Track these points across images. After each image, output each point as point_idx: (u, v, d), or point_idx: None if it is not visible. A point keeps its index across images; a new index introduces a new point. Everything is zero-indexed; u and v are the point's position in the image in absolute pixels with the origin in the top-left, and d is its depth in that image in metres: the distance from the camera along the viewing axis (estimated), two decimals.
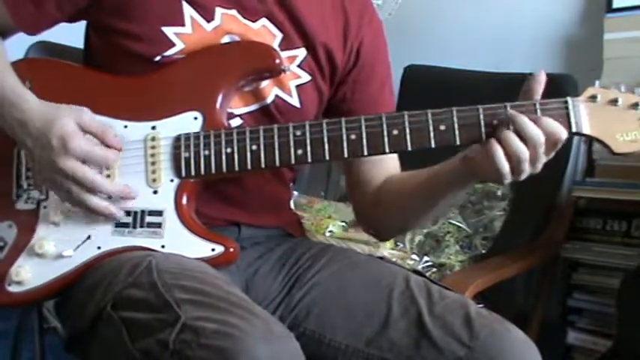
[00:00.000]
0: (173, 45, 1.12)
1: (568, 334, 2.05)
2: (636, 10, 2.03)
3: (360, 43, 1.24)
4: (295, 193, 2.16)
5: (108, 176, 1.09)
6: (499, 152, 1.01)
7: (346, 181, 1.32)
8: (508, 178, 1.02)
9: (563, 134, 1.02)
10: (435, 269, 1.93)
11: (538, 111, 1.03)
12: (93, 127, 1.07)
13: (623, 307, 1.79)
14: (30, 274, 1.08)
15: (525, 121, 1.01)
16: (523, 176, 1.03)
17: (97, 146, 1.07)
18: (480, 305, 1.09)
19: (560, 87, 1.98)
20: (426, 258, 1.95)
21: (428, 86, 2.32)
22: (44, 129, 1.04)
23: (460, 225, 2.00)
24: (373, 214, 1.28)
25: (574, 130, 1.03)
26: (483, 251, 1.95)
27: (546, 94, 2.14)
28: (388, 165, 1.26)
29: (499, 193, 1.98)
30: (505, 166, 1.02)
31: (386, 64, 1.30)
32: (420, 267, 1.90)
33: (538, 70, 2.30)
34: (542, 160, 1.03)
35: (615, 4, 2.09)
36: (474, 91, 2.10)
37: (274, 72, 1.13)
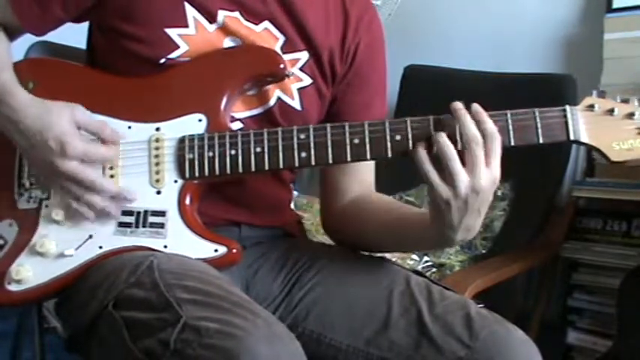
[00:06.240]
0: (177, 47, 1.12)
1: (568, 334, 2.05)
2: (636, 10, 2.04)
3: (357, 46, 1.24)
4: (295, 193, 2.16)
5: (112, 176, 1.09)
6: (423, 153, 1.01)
7: (320, 186, 1.30)
8: (440, 185, 0.98)
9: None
10: (435, 269, 1.93)
11: (537, 119, 1.03)
12: (87, 123, 1.07)
13: (623, 307, 1.79)
14: (30, 272, 1.07)
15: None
16: (461, 184, 0.98)
17: (95, 145, 1.07)
18: (480, 305, 1.09)
19: (559, 87, 1.99)
20: (426, 258, 1.95)
21: (428, 86, 2.32)
22: (37, 128, 1.04)
23: None
24: (340, 226, 1.27)
25: (572, 138, 1.04)
26: (483, 251, 1.95)
27: (546, 94, 2.14)
28: (363, 178, 1.26)
29: (499, 193, 1.98)
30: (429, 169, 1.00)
31: (382, 72, 1.28)
32: (420, 267, 1.90)
33: (538, 69, 2.31)
34: (480, 163, 0.98)
35: (615, 4, 2.10)
36: (474, 91, 2.10)
37: (278, 77, 1.13)
